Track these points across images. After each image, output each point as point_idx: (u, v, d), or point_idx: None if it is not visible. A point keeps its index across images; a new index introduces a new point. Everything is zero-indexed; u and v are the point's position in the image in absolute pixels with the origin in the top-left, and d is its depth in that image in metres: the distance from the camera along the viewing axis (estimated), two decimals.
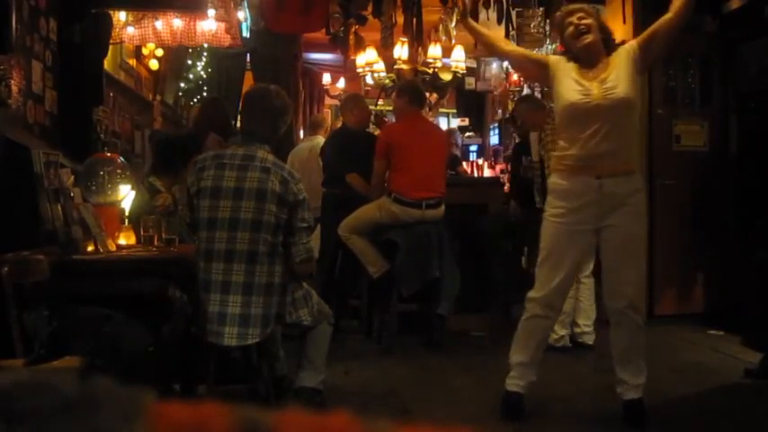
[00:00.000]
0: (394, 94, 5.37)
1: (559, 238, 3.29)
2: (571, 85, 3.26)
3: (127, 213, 3.77)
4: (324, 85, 9.12)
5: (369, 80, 7.18)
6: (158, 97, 6.83)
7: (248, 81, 7.73)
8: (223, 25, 5.51)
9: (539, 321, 3.37)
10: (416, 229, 4.84)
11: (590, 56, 3.28)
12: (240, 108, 3.40)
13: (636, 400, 3.26)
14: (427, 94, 7.44)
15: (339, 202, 5.25)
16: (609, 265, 3.30)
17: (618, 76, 3.22)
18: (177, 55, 6.95)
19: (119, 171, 3.69)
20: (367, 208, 5.01)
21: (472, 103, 10.35)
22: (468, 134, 9.25)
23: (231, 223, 3.02)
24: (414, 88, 5.40)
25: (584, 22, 3.27)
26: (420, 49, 6.91)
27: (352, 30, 6.87)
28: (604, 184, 3.19)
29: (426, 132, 5.17)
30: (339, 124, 6.45)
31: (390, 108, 10.56)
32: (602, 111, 3.18)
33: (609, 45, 3.35)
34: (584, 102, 3.20)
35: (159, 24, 5.45)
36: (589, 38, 3.24)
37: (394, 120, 5.90)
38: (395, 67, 6.84)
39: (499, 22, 6.35)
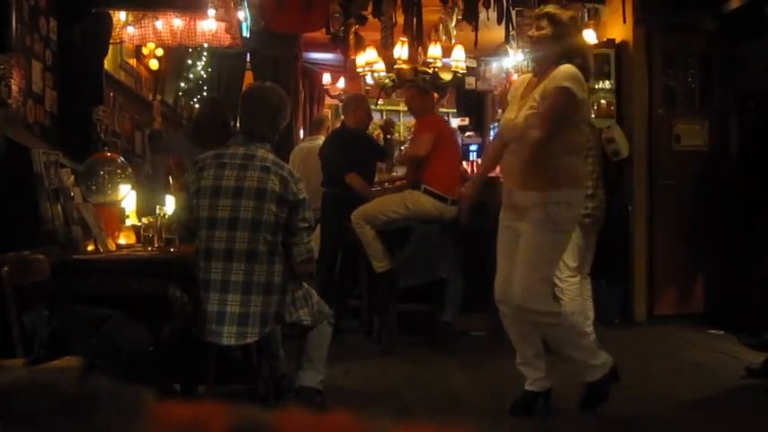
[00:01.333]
0: (414, 90, 5.34)
1: (498, 236, 3.53)
2: (511, 104, 3.47)
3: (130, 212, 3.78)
4: (324, 85, 9.11)
5: (369, 80, 7.17)
6: (158, 97, 6.82)
7: (248, 81, 7.72)
8: (223, 25, 5.50)
9: (503, 319, 3.52)
10: (430, 226, 4.84)
11: (539, 69, 3.43)
12: (239, 108, 3.39)
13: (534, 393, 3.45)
14: None
15: (339, 202, 5.24)
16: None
17: (534, 101, 3.28)
18: (177, 55, 6.95)
19: (119, 171, 3.69)
20: (390, 199, 4.98)
21: (472, 102, 10.33)
22: (468, 134, 9.25)
23: (231, 222, 3.02)
24: (433, 87, 5.45)
25: (536, 33, 3.36)
26: (420, 48, 6.90)
27: (352, 29, 6.87)
28: (512, 193, 3.39)
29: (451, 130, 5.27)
30: (338, 124, 6.45)
31: (390, 108, 10.55)
32: (513, 132, 3.36)
33: (567, 55, 3.30)
34: (508, 123, 3.41)
35: (159, 24, 5.44)
36: (534, 52, 3.51)
37: (412, 118, 5.92)
38: (395, 66, 6.83)
39: (499, 22, 6.35)
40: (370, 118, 5.79)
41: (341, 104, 7.19)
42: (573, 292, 4.67)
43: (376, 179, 5.79)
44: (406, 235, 4.82)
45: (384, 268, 4.89)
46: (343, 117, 5.92)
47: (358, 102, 5.79)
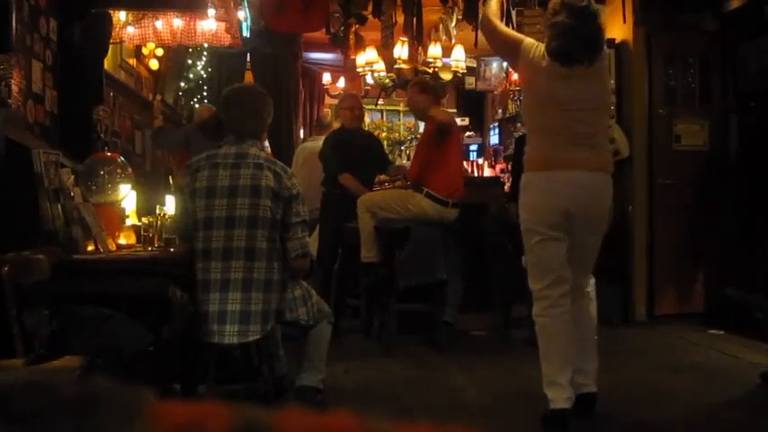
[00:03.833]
0: (415, 89, 5.30)
1: None
2: None
3: (130, 212, 3.77)
4: (324, 85, 9.11)
5: (369, 80, 7.18)
6: (158, 97, 6.83)
7: (248, 81, 7.72)
8: (223, 25, 5.50)
9: None
10: (430, 227, 4.84)
11: None
12: (222, 112, 3.35)
13: None
14: None
15: (338, 201, 5.24)
16: None
17: None
18: (177, 55, 6.95)
19: (119, 171, 3.69)
20: (395, 195, 4.97)
21: (472, 102, 10.33)
22: (468, 134, 9.25)
23: (227, 221, 3.03)
24: (433, 86, 5.42)
25: None
26: (420, 48, 6.90)
27: (352, 29, 6.86)
28: None
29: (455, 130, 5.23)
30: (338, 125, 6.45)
31: (390, 107, 10.55)
32: None
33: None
34: None
35: (159, 24, 5.45)
36: None
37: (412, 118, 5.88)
38: (395, 66, 6.84)
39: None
40: (362, 112, 5.79)
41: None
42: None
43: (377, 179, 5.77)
44: (406, 235, 4.82)
45: (370, 259, 4.91)
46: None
47: (345, 99, 5.84)
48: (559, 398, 3.14)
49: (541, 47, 3.25)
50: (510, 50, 3.40)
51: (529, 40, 3.32)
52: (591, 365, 3.34)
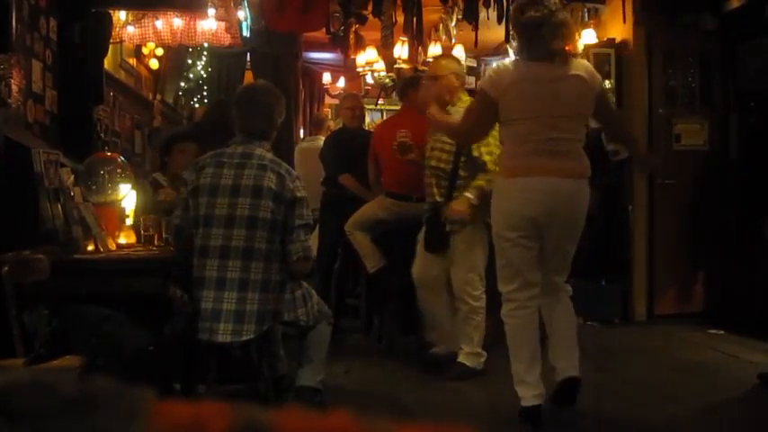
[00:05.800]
0: None
1: None
2: None
3: (129, 212, 3.78)
4: (324, 85, 9.11)
5: (369, 79, 7.19)
6: (158, 96, 6.83)
7: (248, 81, 7.71)
8: (223, 24, 5.51)
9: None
10: (409, 223, 4.86)
11: None
12: (234, 110, 3.33)
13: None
14: None
15: (338, 201, 5.24)
16: None
17: None
18: (177, 54, 6.95)
19: (119, 170, 3.69)
20: (369, 205, 5.02)
21: None
22: None
23: (228, 220, 3.03)
24: (399, 82, 5.44)
25: None
26: (420, 48, 6.90)
27: (353, 29, 6.86)
28: None
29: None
30: (339, 124, 6.46)
31: (390, 107, 10.59)
32: None
33: None
34: None
35: (159, 24, 5.45)
36: None
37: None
38: (395, 66, 6.85)
39: (499, 21, 6.34)
40: (362, 112, 5.80)
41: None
42: None
43: None
44: (394, 238, 4.85)
45: (374, 268, 4.91)
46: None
47: (345, 99, 5.86)
48: (528, 395, 3.29)
49: (506, 68, 3.36)
50: (488, 112, 3.33)
51: (487, 82, 3.35)
52: (572, 353, 3.41)
